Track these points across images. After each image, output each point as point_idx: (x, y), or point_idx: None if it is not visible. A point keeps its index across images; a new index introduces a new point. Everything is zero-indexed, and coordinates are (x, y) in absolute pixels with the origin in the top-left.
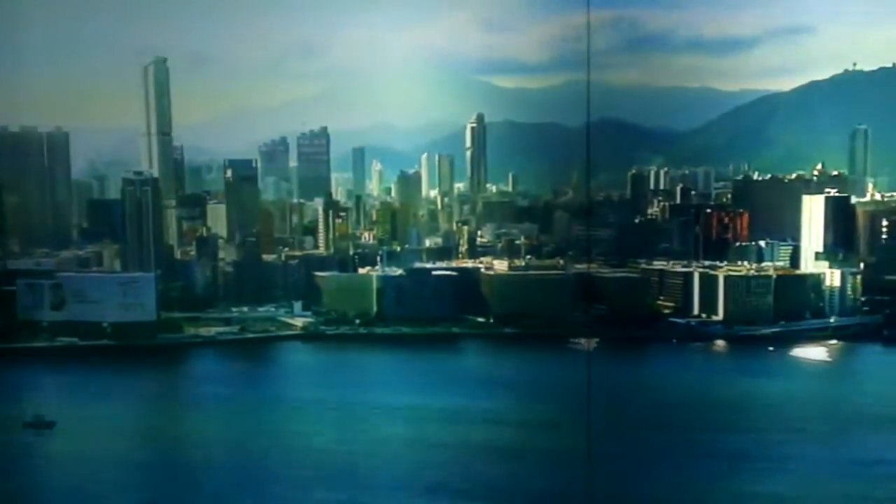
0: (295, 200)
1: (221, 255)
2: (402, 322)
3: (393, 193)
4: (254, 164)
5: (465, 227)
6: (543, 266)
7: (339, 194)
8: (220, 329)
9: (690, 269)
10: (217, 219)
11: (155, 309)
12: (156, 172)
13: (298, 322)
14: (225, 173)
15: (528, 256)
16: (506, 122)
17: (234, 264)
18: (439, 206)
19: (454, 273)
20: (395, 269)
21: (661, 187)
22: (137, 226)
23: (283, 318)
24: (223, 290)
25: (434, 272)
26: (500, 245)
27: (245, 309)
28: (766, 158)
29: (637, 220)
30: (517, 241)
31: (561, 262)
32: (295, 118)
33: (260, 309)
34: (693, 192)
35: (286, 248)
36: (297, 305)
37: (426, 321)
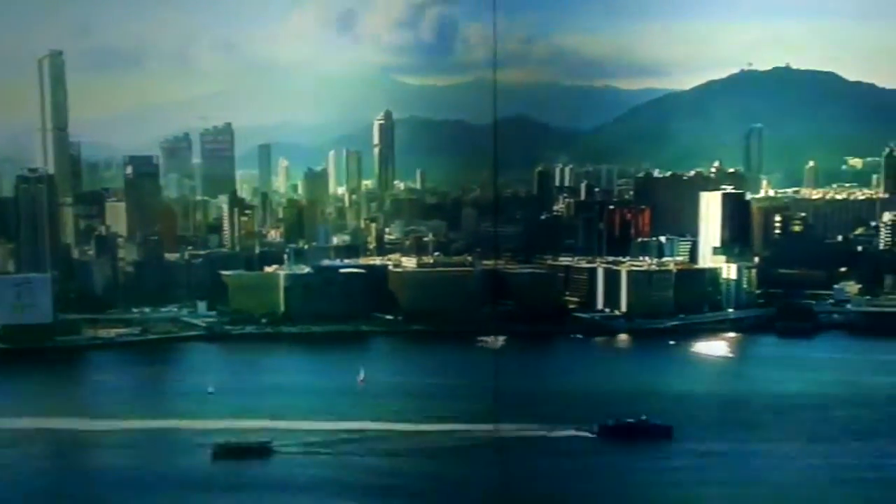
0: (198, 198)
1: (121, 254)
2: (310, 321)
3: (300, 191)
4: (155, 161)
5: (374, 225)
6: (451, 263)
7: (244, 192)
8: (121, 330)
9: (595, 265)
10: (117, 217)
11: (51, 311)
12: (51, 169)
13: (202, 322)
14: (125, 170)
15: (437, 253)
16: (414, 119)
17: (135, 264)
18: (347, 204)
19: (362, 271)
20: (302, 267)
21: (567, 184)
22: (32, 224)
23: (187, 319)
24: (124, 291)
25: (342, 270)
26: (408, 242)
27: (147, 310)
28: (666, 156)
29: (543, 217)
30: (425, 239)
31: (469, 258)
32: (198, 114)
33: (162, 309)
34: (597, 190)
35: (190, 247)
36: (202, 305)
37: (334, 319)
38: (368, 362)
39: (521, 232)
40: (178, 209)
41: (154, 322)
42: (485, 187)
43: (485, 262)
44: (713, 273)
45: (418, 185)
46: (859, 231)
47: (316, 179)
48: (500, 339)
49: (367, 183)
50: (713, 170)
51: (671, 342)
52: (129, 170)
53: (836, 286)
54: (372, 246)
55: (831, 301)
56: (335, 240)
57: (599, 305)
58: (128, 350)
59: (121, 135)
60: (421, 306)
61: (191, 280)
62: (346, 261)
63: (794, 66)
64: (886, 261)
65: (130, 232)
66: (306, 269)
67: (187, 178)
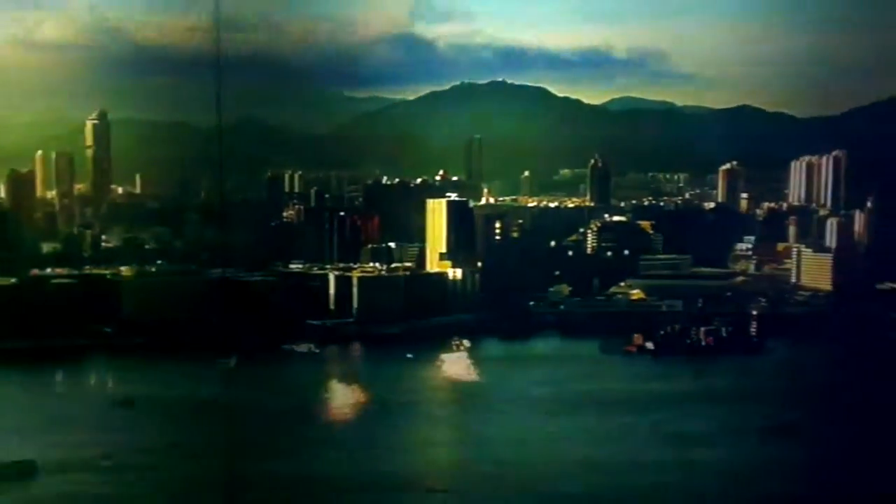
0: None
1: None
2: (16, 335)
3: (2, 194)
4: None
5: (88, 231)
6: (176, 271)
7: None
8: None
9: (326, 272)
10: None
11: None
12: None
13: None
14: None
15: (159, 261)
16: (131, 119)
17: None
18: (57, 209)
19: (76, 280)
20: (6, 278)
21: (296, 190)
22: None
23: None
24: None
25: (53, 280)
26: (127, 250)
27: None
28: (393, 163)
29: (273, 224)
30: (147, 246)
31: (195, 266)
32: None
33: None
34: (327, 196)
35: None
36: None
37: (45, 333)
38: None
39: (250, 239)
40: None
41: None
42: (211, 192)
43: (212, 270)
44: (440, 278)
45: (138, 190)
46: (572, 238)
47: (21, 182)
48: (232, 360)
49: (80, 187)
50: (438, 178)
51: (409, 355)
52: None
53: (550, 289)
54: (87, 254)
55: (547, 303)
56: (45, 248)
57: (332, 312)
58: None
59: None
60: (143, 317)
61: None
62: (58, 270)
63: (509, 81)
64: (594, 265)
65: None
66: (12, 280)
67: None
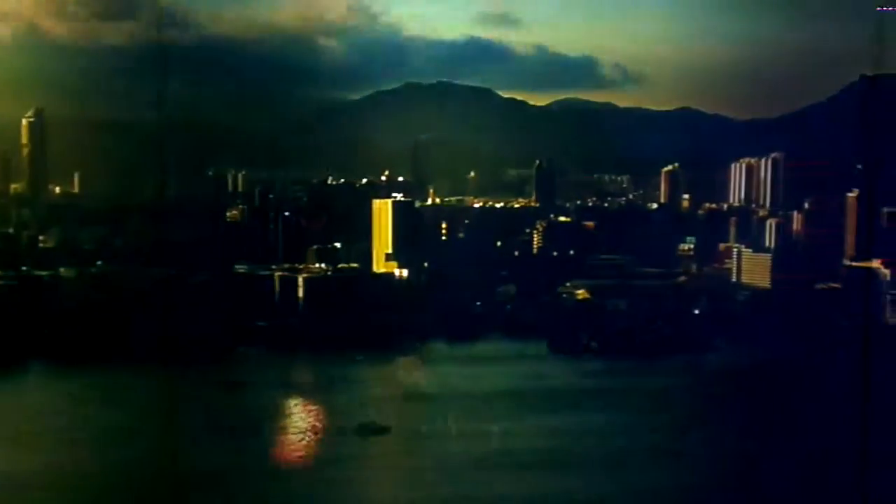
0: None
1: None
2: None
3: None
4: None
5: (25, 232)
6: (116, 272)
7: None
8: None
9: (271, 272)
10: None
11: None
12: None
13: None
14: None
15: (99, 262)
16: (69, 118)
17: None
18: None
19: (14, 283)
20: None
21: (240, 190)
22: None
23: None
24: None
25: None
26: (66, 250)
27: None
28: (338, 164)
29: (217, 224)
30: (86, 246)
31: (135, 267)
32: None
33: None
34: (271, 196)
35: None
36: None
37: None
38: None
39: (193, 239)
40: None
41: None
42: (152, 192)
43: (153, 271)
44: (387, 278)
45: (77, 190)
46: (518, 237)
47: None
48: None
49: (16, 186)
50: (384, 178)
51: (358, 357)
52: None
53: (498, 289)
54: (24, 255)
55: (493, 303)
56: None
57: (278, 314)
58: None
59: None
60: (82, 320)
61: None
62: None
63: (454, 82)
64: (540, 265)
65: None
66: None
67: None
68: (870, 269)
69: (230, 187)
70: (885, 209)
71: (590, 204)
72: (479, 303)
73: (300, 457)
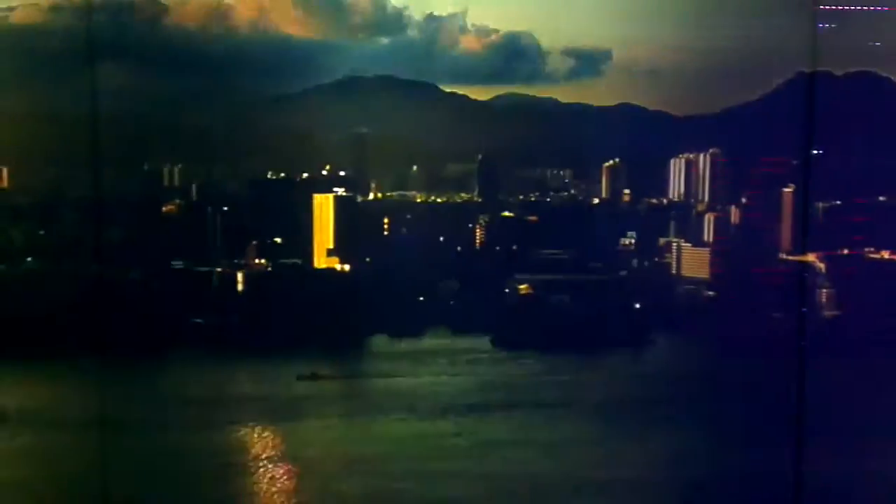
0: None
1: None
2: None
3: None
4: None
5: None
6: (47, 270)
7: None
8: None
9: (209, 268)
10: None
11: None
12: None
13: None
14: None
15: (29, 259)
16: None
17: None
18: None
19: None
20: None
21: (176, 185)
22: None
23: None
24: None
25: None
26: None
27: None
28: (277, 157)
29: (152, 219)
30: (15, 244)
31: (67, 264)
32: None
33: None
34: (209, 191)
35: None
36: None
37: None
38: None
39: (128, 235)
40: None
41: None
42: (85, 186)
43: (86, 267)
44: (328, 274)
45: (5, 184)
46: (461, 232)
47: None
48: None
49: None
50: (324, 172)
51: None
52: None
53: (440, 284)
54: None
55: (436, 298)
56: None
57: (216, 311)
58: None
59: None
60: (11, 319)
61: None
62: None
63: (396, 76)
64: (483, 260)
65: None
66: None
67: None
68: (805, 263)
69: (166, 182)
70: (820, 204)
71: (532, 199)
72: (421, 298)
73: None
